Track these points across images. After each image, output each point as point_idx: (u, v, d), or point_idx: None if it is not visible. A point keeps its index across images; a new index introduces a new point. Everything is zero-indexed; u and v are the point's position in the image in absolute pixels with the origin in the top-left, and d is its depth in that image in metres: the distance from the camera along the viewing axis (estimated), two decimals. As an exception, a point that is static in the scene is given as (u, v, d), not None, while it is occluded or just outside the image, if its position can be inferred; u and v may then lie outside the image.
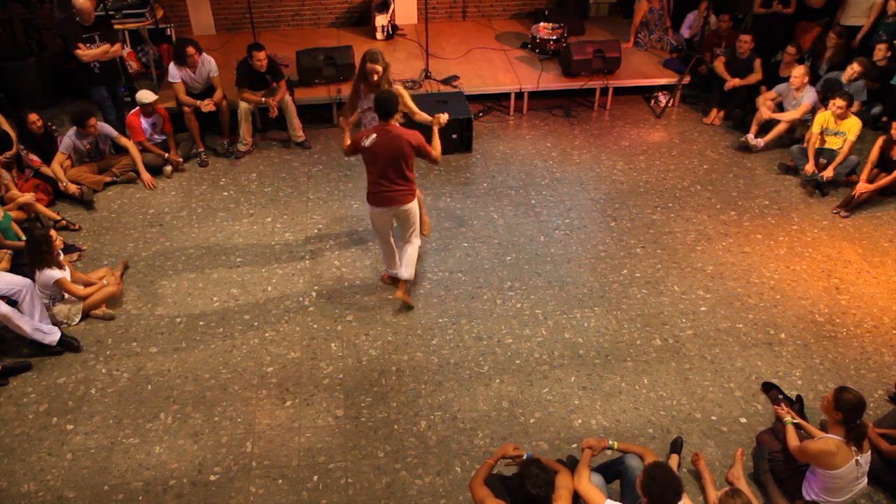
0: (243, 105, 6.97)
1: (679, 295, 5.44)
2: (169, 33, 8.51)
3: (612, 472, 3.76)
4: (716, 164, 7.10)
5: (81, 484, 4.07)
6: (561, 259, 5.80)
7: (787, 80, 7.19)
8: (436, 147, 4.92)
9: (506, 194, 6.61)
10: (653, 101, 8.21)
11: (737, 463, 4.09)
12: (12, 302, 4.82)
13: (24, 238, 5.41)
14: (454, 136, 7.12)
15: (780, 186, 6.77)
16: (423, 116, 5.30)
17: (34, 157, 6.39)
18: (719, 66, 7.73)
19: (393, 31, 8.97)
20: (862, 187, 6.28)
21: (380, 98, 4.63)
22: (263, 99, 6.96)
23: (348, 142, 4.87)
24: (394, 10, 8.92)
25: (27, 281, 4.90)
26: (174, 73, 6.85)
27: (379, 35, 8.85)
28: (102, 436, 4.34)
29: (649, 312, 5.28)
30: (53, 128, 6.67)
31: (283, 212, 6.37)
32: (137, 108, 6.66)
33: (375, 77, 5.19)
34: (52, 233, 5.05)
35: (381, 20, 8.78)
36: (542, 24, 8.60)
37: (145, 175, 6.68)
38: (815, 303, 5.38)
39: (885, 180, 6.26)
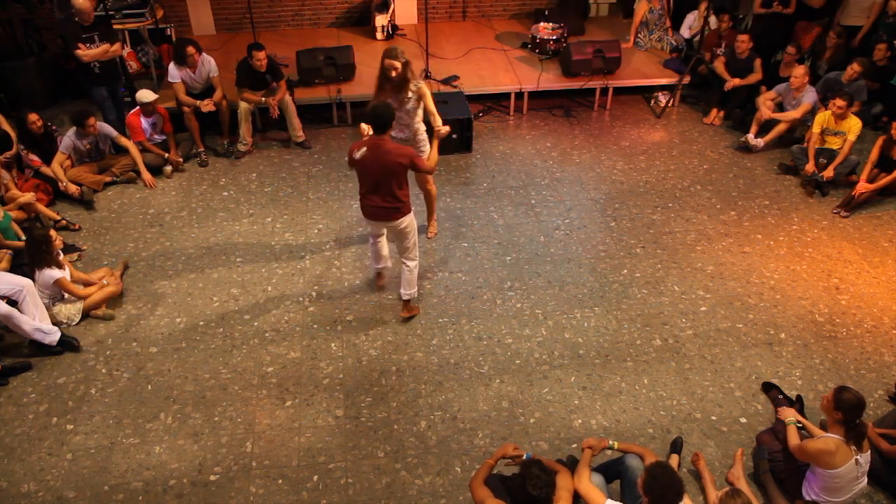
0: (243, 105, 6.97)
1: (679, 295, 5.44)
2: (169, 33, 8.51)
3: (612, 472, 3.76)
4: (716, 164, 7.10)
5: (81, 484, 4.07)
6: (561, 259, 5.80)
7: (787, 80, 7.19)
8: (431, 158, 4.78)
9: (506, 194, 6.61)
10: (653, 101, 8.21)
11: (737, 463, 4.09)
12: (12, 302, 4.82)
13: (24, 238, 5.41)
14: (454, 136, 7.11)
15: (780, 186, 6.77)
16: (437, 122, 5.06)
17: (34, 157, 6.39)
18: (719, 66, 7.73)
19: (393, 31, 8.97)
20: (862, 187, 6.28)
21: (374, 110, 4.45)
22: (263, 99, 6.96)
23: None
24: (394, 10, 8.92)
25: (27, 281, 4.89)
26: (174, 73, 6.85)
27: (379, 35, 8.85)
28: (102, 436, 4.34)
29: (649, 312, 5.28)
30: (53, 128, 6.67)
31: (283, 212, 6.37)
32: (137, 107, 6.66)
33: (394, 73, 4.93)
34: (52, 233, 5.06)
35: (381, 20, 8.78)
36: (542, 24, 8.60)
37: (146, 175, 6.68)
38: (815, 303, 5.38)
39: (885, 180, 6.26)
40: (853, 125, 6.47)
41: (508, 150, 7.33)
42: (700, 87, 8.22)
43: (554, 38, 8.35)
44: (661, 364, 4.85)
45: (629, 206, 6.46)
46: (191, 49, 6.75)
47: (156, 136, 6.89)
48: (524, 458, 3.50)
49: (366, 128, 4.78)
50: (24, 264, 5.17)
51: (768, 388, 4.62)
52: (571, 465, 3.85)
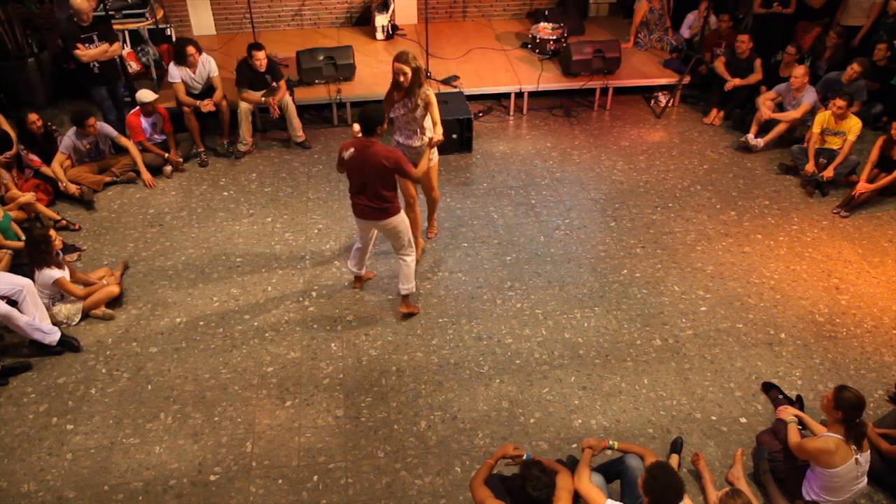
0: (243, 105, 6.97)
1: (679, 295, 5.44)
2: (169, 33, 8.51)
3: (612, 472, 3.76)
4: (716, 164, 7.11)
5: (81, 484, 4.07)
6: (561, 259, 5.80)
7: (787, 80, 7.19)
8: (421, 166, 4.85)
9: (506, 194, 6.61)
10: (653, 101, 8.21)
11: (737, 463, 4.09)
12: (12, 302, 4.82)
13: (23, 238, 5.41)
14: (454, 136, 7.12)
15: (780, 186, 6.77)
16: (437, 131, 5.07)
17: (34, 157, 6.39)
18: (719, 66, 7.73)
19: (393, 31, 8.97)
20: (862, 187, 6.28)
21: (364, 112, 4.46)
22: (263, 99, 6.96)
23: None
24: (394, 10, 8.92)
25: (27, 281, 4.89)
26: (174, 73, 6.85)
27: (379, 35, 8.85)
28: (102, 436, 4.34)
29: (649, 312, 5.28)
30: (53, 128, 6.67)
31: (283, 212, 6.37)
32: (137, 107, 6.66)
33: (402, 78, 4.88)
34: (52, 233, 5.05)
35: (381, 20, 8.78)
36: (542, 24, 8.60)
37: (146, 175, 6.68)
38: (815, 303, 5.38)
39: (885, 180, 6.27)
40: (853, 125, 6.47)
41: (508, 150, 7.33)
42: (700, 87, 8.22)
43: (554, 38, 8.36)
44: (661, 364, 4.85)
45: (629, 206, 6.46)
46: (191, 49, 6.76)
47: (156, 136, 6.89)
48: (524, 458, 3.50)
49: (357, 128, 4.78)
50: (24, 264, 5.17)
51: (768, 388, 4.62)
52: (571, 465, 3.85)
